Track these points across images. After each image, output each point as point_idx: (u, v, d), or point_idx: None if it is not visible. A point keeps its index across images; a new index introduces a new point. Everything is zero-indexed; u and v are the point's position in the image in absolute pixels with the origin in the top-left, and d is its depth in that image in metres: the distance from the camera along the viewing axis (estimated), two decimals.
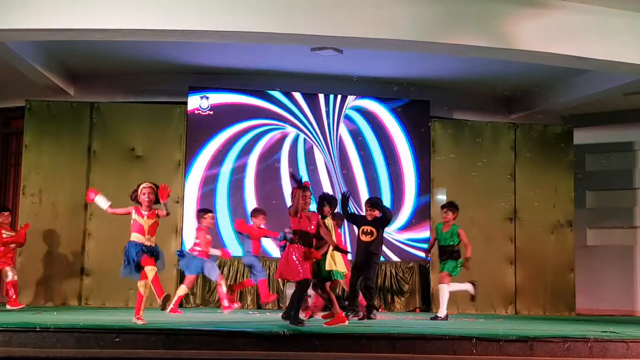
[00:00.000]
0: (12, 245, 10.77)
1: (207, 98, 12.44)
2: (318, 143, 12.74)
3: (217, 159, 12.49)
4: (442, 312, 9.81)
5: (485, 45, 9.55)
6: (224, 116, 12.53)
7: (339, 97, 12.87)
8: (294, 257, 7.81)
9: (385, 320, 9.44)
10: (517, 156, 13.03)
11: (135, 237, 7.59)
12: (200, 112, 12.41)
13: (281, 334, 6.37)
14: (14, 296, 10.56)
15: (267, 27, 9.15)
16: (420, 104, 13.06)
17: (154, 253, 7.59)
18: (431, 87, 13.35)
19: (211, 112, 12.44)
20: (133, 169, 11.96)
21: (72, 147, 12.01)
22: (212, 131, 12.46)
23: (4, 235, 10.63)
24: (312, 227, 7.92)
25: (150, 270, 7.47)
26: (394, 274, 12.58)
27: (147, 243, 7.58)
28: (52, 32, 9.29)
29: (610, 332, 7.33)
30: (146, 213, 7.64)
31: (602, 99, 12.74)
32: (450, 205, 10.20)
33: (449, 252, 9.90)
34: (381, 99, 13.01)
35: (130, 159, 12.07)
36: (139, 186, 7.76)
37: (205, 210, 10.58)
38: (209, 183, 12.42)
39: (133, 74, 12.94)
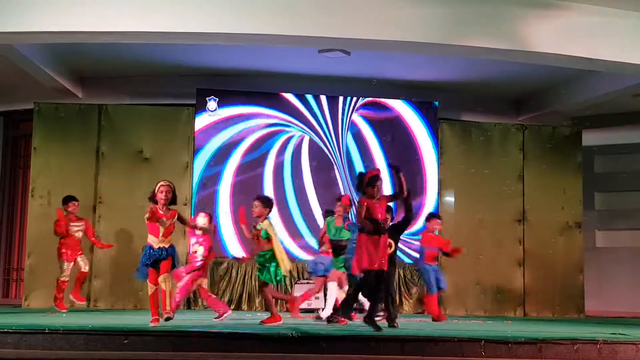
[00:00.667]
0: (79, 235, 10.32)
1: (215, 100, 12.44)
2: (324, 144, 12.74)
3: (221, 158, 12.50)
4: (327, 311, 9.09)
5: (495, 47, 9.51)
6: (231, 118, 12.54)
7: (341, 99, 12.89)
8: (361, 248, 7.57)
9: None
10: (526, 158, 13.01)
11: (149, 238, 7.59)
12: (208, 113, 12.41)
13: (289, 336, 6.37)
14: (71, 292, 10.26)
15: (274, 29, 9.15)
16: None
17: (162, 257, 7.54)
18: (439, 89, 13.34)
19: (219, 114, 12.44)
20: (141, 171, 12.00)
21: (80, 150, 12.06)
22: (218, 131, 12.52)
23: (75, 228, 10.26)
24: (380, 214, 7.62)
25: (150, 287, 7.52)
26: (402, 275, 12.55)
27: (160, 245, 7.53)
28: (60, 35, 9.31)
29: (620, 334, 7.30)
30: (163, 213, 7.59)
31: (612, 100, 12.69)
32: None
33: (338, 248, 9.34)
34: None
35: (139, 161, 12.11)
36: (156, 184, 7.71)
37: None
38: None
39: (141, 76, 12.96)
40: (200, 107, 12.38)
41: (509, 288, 12.66)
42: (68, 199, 10.41)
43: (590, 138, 13.60)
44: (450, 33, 9.42)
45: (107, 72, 12.76)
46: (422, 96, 13.12)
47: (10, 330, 6.37)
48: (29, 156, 12.64)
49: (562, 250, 12.85)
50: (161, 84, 13.03)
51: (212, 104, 12.42)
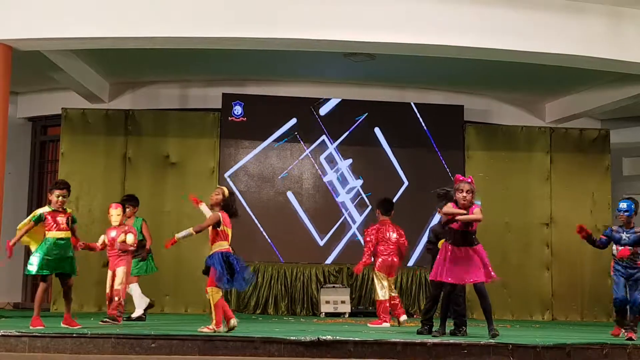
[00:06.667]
0: None
1: (240, 105, 12.46)
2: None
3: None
4: (138, 311, 9.43)
5: (522, 50, 9.48)
6: (258, 123, 12.54)
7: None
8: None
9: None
10: (553, 161, 12.92)
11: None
12: (234, 118, 12.43)
13: (315, 340, 6.36)
14: None
15: (301, 34, 9.17)
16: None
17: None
18: (465, 92, 13.27)
19: (245, 119, 12.45)
20: (167, 176, 12.08)
21: (107, 155, 12.17)
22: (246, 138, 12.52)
23: None
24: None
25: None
26: (428, 280, 12.45)
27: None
28: (87, 41, 9.40)
29: None
30: None
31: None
32: (132, 199, 9.64)
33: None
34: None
35: (165, 166, 12.18)
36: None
37: None
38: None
39: (167, 81, 13.03)
40: (226, 112, 12.41)
41: (536, 292, 12.58)
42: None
43: (619, 140, 13.48)
44: (471, 35, 9.39)
45: (134, 77, 12.84)
46: (448, 98, 13.09)
47: (39, 334, 6.43)
48: (56, 161, 12.77)
49: (590, 254, 12.67)
50: (187, 89, 13.08)
51: (237, 108, 12.43)
